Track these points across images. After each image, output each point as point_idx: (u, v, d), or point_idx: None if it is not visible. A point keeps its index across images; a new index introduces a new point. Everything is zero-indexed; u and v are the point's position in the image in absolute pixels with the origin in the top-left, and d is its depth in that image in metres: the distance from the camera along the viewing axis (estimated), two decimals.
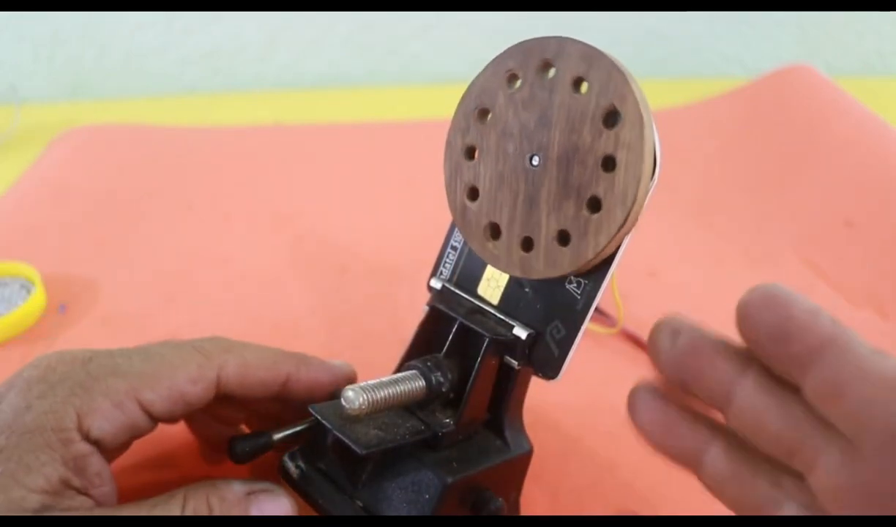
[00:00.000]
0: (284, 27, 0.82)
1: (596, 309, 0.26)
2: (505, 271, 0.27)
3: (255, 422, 0.32)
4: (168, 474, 0.32)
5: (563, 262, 0.25)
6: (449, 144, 0.27)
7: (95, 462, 0.24)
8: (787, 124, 0.64)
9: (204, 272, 0.48)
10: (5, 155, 0.67)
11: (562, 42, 0.24)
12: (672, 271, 0.48)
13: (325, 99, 0.80)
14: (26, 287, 0.45)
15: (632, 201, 0.23)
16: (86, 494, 0.24)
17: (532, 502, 0.31)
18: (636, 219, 0.24)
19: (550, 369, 0.26)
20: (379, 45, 0.84)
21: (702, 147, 0.64)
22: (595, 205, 0.24)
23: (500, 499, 0.27)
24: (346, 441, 0.24)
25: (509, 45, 0.26)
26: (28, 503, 0.22)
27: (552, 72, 0.25)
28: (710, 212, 0.55)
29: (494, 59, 0.26)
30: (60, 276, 0.47)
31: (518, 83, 0.25)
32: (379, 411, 0.25)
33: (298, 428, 0.29)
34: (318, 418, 0.26)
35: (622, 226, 0.23)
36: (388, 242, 0.51)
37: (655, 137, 0.23)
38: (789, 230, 0.52)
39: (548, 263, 0.25)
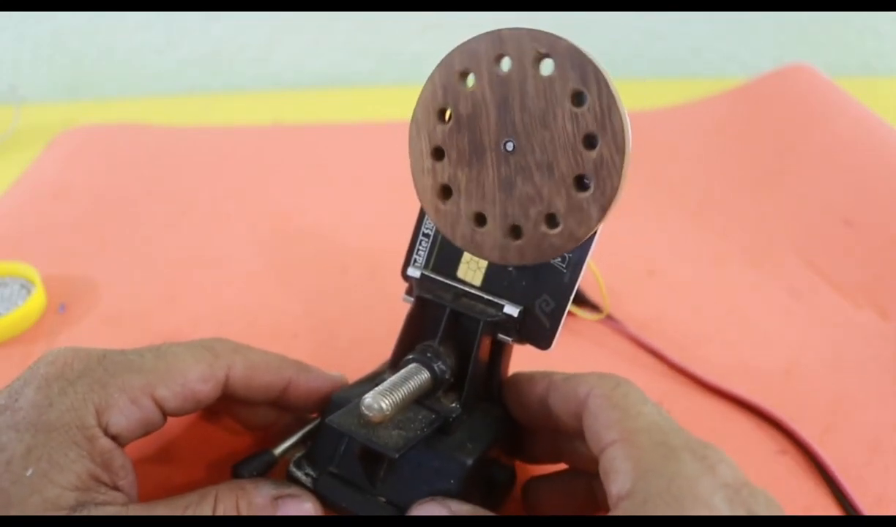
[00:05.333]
0: (284, 27, 0.82)
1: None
2: (497, 263, 0.27)
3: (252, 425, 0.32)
4: (172, 470, 0.32)
5: (554, 245, 0.25)
6: (412, 149, 0.27)
7: (119, 456, 0.25)
8: (786, 124, 0.64)
9: (204, 272, 0.48)
10: (5, 155, 0.67)
11: (513, 31, 0.24)
12: (671, 270, 0.48)
13: (325, 99, 0.80)
14: (26, 287, 0.45)
15: (618, 175, 0.23)
16: (114, 487, 0.24)
17: None
18: (621, 190, 0.24)
19: (543, 340, 0.27)
20: (379, 45, 0.84)
21: (702, 147, 0.64)
22: (581, 184, 0.24)
23: (510, 466, 0.28)
24: (378, 449, 0.25)
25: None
26: (64, 501, 0.23)
27: (506, 61, 0.24)
28: (710, 211, 0.55)
29: (442, 61, 0.26)
30: (60, 276, 0.47)
31: (472, 78, 0.25)
32: (397, 412, 0.26)
33: (296, 438, 0.29)
34: (343, 430, 0.25)
35: (612, 200, 0.23)
36: (389, 243, 0.51)
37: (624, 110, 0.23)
38: (789, 230, 0.52)
39: (538, 249, 0.25)
